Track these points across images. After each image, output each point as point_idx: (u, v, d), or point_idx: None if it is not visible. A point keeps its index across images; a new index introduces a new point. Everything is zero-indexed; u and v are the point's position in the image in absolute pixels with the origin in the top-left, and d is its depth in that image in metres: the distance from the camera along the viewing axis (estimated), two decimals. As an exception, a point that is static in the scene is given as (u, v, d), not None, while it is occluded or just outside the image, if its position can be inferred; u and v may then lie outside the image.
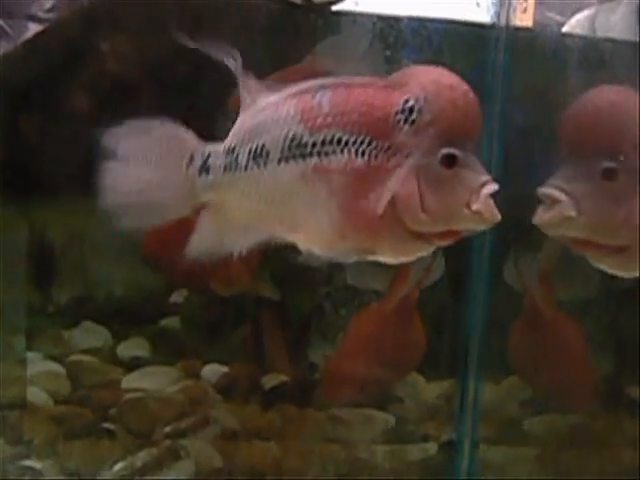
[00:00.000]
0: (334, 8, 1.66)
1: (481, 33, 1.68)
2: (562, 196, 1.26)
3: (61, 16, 1.57)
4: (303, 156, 1.08)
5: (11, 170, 1.59)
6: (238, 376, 1.75)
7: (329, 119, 1.08)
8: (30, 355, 1.66)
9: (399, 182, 1.05)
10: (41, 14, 1.59)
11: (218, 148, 1.16)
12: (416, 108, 1.06)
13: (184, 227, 1.69)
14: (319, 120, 1.08)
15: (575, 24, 1.97)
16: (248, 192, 1.13)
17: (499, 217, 1.08)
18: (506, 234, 1.68)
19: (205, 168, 1.15)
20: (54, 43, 1.59)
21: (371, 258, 1.13)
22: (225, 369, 1.75)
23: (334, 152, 1.07)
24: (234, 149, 1.14)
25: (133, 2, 1.63)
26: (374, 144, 1.07)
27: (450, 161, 1.07)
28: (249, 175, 1.12)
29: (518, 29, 1.65)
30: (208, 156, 1.16)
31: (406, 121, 1.07)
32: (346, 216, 1.07)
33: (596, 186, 1.26)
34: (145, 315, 1.71)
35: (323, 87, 1.10)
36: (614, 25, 1.91)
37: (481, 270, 1.72)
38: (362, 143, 1.07)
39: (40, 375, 1.67)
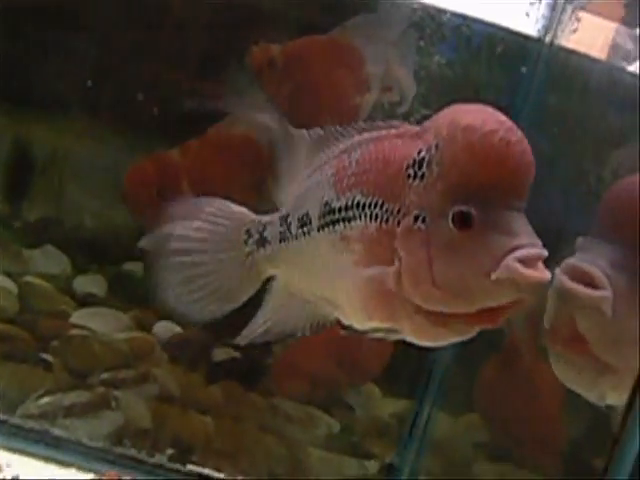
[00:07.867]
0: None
1: (524, 44, 1.57)
2: (607, 290, 1.00)
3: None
4: (333, 223, 0.94)
5: (7, 81, 1.55)
6: (190, 340, 1.68)
7: (352, 180, 0.92)
8: (-15, 266, 1.62)
9: (404, 250, 0.86)
10: None
11: (273, 218, 1.03)
12: (425, 159, 0.86)
13: (167, 172, 1.63)
14: (345, 182, 0.93)
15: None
16: (294, 263, 1.01)
17: (542, 278, 0.81)
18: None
19: (262, 241, 1.03)
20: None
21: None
22: (179, 329, 1.67)
23: (354, 217, 0.91)
24: (287, 217, 1.01)
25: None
26: (385, 206, 0.89)
27: (464, 222, 0.83)
28: (297, 245, 0.99)
29: (562, 49, 1.53)
30: (264, 227, 1.03)
31: (415, 176, 0.87)
32: (368, 292, 0.90)
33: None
34: (110, 254, 1.65)
35: (361, 143, 0.94)
36: None
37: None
38: (375, 206, 0.90)
39: (-9, 288, 1.63)
